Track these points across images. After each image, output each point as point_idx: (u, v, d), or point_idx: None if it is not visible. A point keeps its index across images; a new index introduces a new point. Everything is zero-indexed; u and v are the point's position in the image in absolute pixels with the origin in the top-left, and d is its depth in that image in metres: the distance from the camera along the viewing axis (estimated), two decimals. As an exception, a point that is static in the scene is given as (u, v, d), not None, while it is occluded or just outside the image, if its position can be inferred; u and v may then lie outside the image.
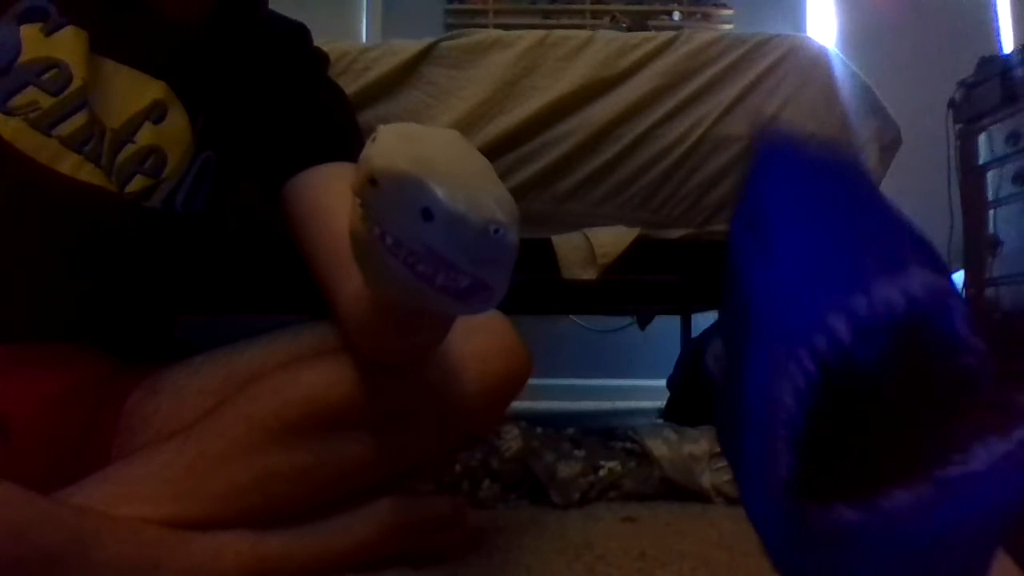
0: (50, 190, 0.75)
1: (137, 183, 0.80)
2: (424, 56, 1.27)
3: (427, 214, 0.44)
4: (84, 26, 0.78)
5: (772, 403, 0.27)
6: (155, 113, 0.82)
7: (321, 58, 0.97)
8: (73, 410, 0.76)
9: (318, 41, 0.98)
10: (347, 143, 0.88)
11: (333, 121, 0.90)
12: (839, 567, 0.28)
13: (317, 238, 0.79)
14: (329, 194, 0.81)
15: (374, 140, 0.46)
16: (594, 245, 1.23)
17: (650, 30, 2.49)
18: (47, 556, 0.58)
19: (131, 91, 0.81)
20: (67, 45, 0.77)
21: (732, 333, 0.31)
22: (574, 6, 3.07)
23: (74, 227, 0.78)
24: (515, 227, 0.46)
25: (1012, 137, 2.09)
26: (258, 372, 0.76)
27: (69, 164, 0.76)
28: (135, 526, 0.65)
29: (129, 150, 0.80)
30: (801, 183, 0.28)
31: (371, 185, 0.44)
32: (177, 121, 0.83)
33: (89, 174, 0.77)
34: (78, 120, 0.76)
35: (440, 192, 0.43)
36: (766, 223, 0.28)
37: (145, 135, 0.81)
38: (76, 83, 0.76)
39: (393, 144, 0.45)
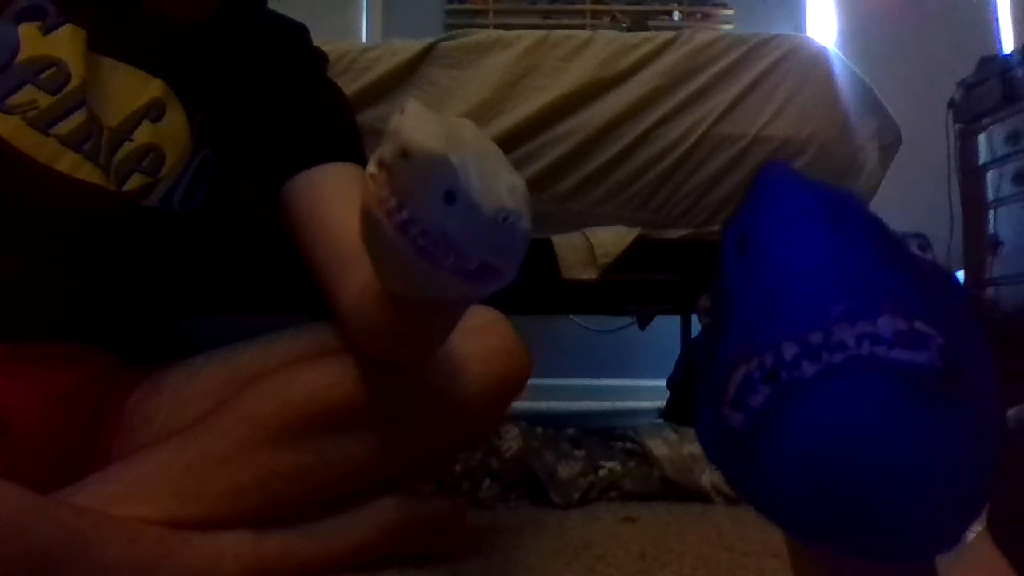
0: (49, 189, 0.75)
1: (135, 181, 0.80)
2: (424, 56, 1.27)
3: (449, 197, 0.44)
4: (82, 24, 0.78)
5: (723, 388, 0.30)
6: (153, 111, 0.81)
7: (320, 58, 0.97)
8: (73, 410, 0.76)
9: (318, 41, 0.98)
10: (346, 144, 0.88)
11: (332, 121, 0.90)
12: (752, 473, 0.30)
13: (317, 237, 0.79)
14: (329, 194, 0.81)
15: (403, 112, 0.46)
16: (594, 245, 1.23)
17: (650, 30, 2.49)
18: (47, 556, 0.58)
19: (129, 89, 0.81)
20: (65, 43, 0.77)
21: (713, 306, 0.33)
22: (574, 6, 3.07)
23: (73, 226, 0.77)
24: (526, 215, 0.46)
25: (1012, 137, 2.09)
26: (259, 372, 0.76)
27: (68, 163, 0.76)
28: (135, 526, 0.65)
29: (127, 148, 0.80)
30: (791, 214, 0.30)
31: (402, 158, 0.44)
32: (175, 120, 0.83)
33: (88, 173, 0.77)
34: (77, 118, 0.76)
35: (467, 178, 0.44)
36: (750, 239, 0.30)
37: (143, 133, 0.81)
38: (75, 82, 0.76)
39: (426, 120, 0.45)
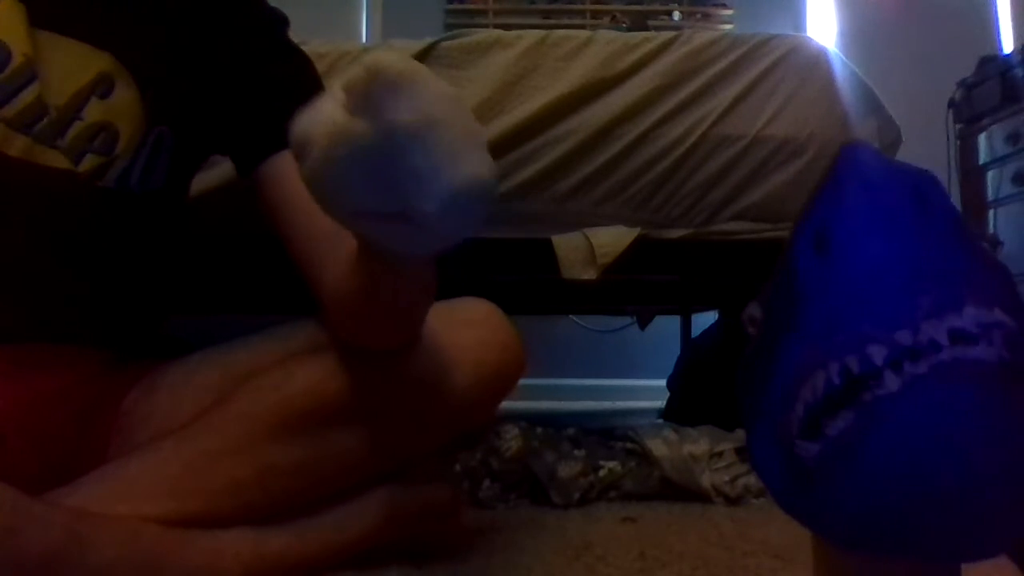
0: (3, 176, 0.72)
1: (89, 162, 0.76)
2: (424, 56, 1.27)
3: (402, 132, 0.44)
4: None
5: (791, 397, 0.29)
6: (101, 87, 0.77)
7: (280, 20, 0.90)
8: (65, 411, 0.75)
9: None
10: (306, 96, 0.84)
11: (301, 98, 0.86)
12: (826, 503, 0.29)
13: (297, 225, 0.77)
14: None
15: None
16: (594, 245, 1.23)
17: (650, 30, 2.49)
18: (42, 559, 0.58)
19: (74, 65, 0.76)
20: (4, 20, 0.73)
21: (773, 310, 0.31)
22: (574, 6, 3.08)
23: (35, 212, 0.75)
24: (476, 179, 0.46)
25: (1012, 137, 2.09)
26: (255, 369, 0.75)
27: (18, 147, 0.72)
28: (133, 527, 0.65)
29: (77, 128, 0.76)
30: (877, 203, 0.28)
31: (368, 75, 0.44)
32: (126, 94, 0.79)
33: (41, 155, 0.74)
34: (25, 98, 0.72)
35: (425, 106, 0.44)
36: (832, 233, 0.29)
37: (93, 111, 0.76)
38: (17, 60, 0.72)
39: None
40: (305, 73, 0.88)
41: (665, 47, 1.29)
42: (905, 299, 0.27)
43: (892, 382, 0.26)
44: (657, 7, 3.06)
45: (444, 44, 1.29)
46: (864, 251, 0.28)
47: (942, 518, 0.27)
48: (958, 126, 2.32)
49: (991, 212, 2.18)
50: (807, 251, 0.29)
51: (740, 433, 1.16)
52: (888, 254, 0.28)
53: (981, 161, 2.22)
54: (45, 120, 0.74)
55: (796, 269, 0.30)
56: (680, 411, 1.80)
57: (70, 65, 0.76)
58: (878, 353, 0.27)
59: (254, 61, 0.85)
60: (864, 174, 0.29)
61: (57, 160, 0.75)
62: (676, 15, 3.04)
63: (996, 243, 2.11)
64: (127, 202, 0.80)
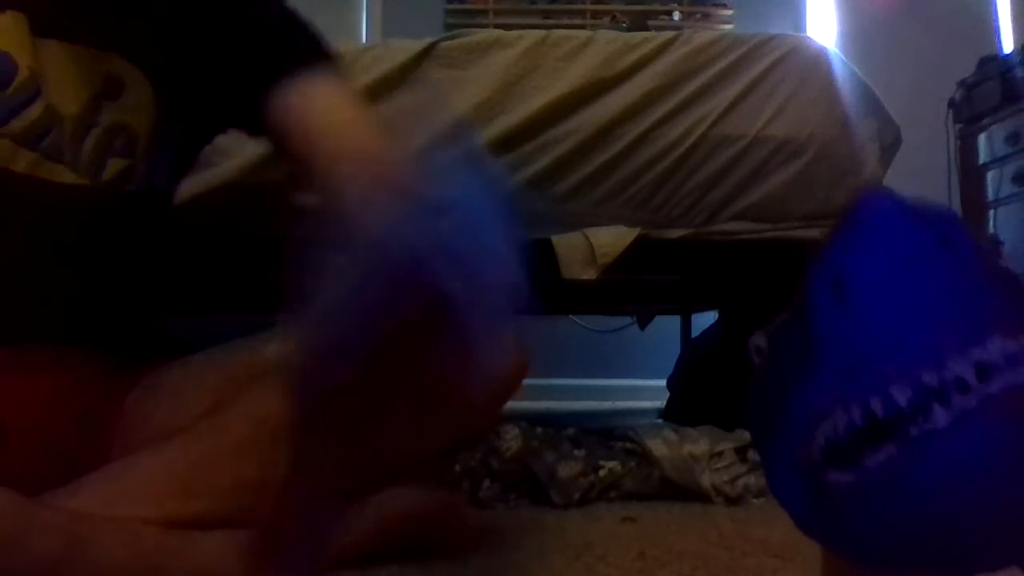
0: (9, 191, 0.72)
1: (113, 167, 0.75)
2: (424, 56, 1.27)
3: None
4: (21, 8, 0.73)
5: (809, 435, 0.29)
6: (112, 89, 0.76)
7: None
8: (67, 412, 0.75)
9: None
10: (309, 47, 0.81)
11: (300, 45, 0.82)
12: (854, 530, 0.29)
13: (321, 150, 0.73)
14: (321, 112, 0.76)
15: None
16: (594, 245, 1.23)
17: (650, 30, 2.49)
18: (45, 563, 0.58)
19: (82, 71, 0.75)
20: (7, 33, 0.72)
21: (786, 350, 0.31)
22: (574, 6, 3.07)
23: (37, 222, 0.74)
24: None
25: (1012, 137, 2.10)
26: (259, 370, 0.75)
27: (24, 163, 0.72)
28: (136, 529, 0.65)
29: (95, 135, 0.75)
30: (896, 248, 0.28)
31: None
32: (137, 93, 0.78)
33: (48, 171, 0.73)
34: (32, 113, 0.71)
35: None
36: (851, 279, 0.29)
37: (107, 115, 0.75)
38: (23, 73, 0.71)
39: None
40: (306, 38, 0.84)
41: (665, 47, 1.29)
42: (929, 340, 0.27)
43: (941, 417, 0.26)
44: (657, 7, 3.05)
45: (444, 44, 1.29)
46: (885, 296, 0.28)
47: (975, 541, 0.28)
48: (958, 126, 2.32)
49: (991, 212, 2.18)
50: (825, 296, 0.29)
51: (740, 433, 1.17)
52: (910, 299, 0.28)
53: (981, 161, 2.22)
54: (53, 134, 0.73)
55: (813, 313, 0.30)
56: (680, 411, 1.80)
57: (78, 72, 0.75)
58: (902, 394, 0.27)
59: (253, 27, 0.82)
60: (883, 219, 0.29)
61: (63, 175, 0.74)
62: (676, 15, 3.04)
63: (996, 243, 2.11)
64: (147, 202, 0.79)
